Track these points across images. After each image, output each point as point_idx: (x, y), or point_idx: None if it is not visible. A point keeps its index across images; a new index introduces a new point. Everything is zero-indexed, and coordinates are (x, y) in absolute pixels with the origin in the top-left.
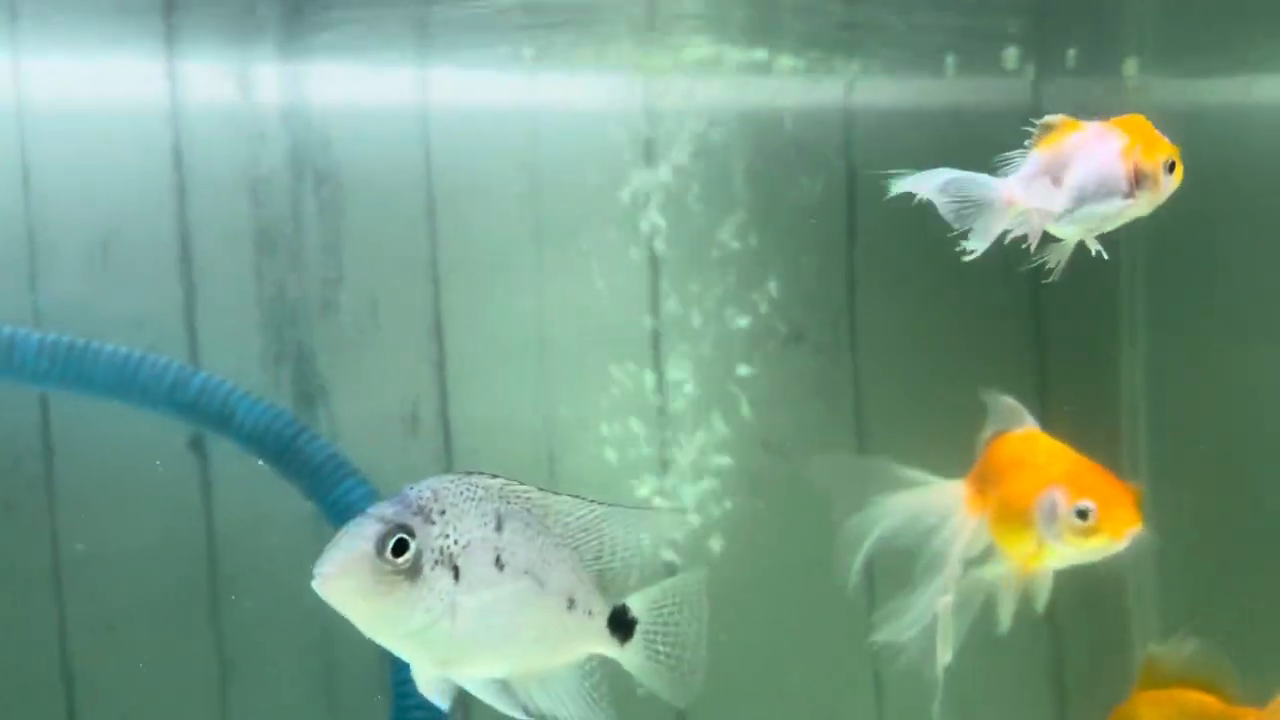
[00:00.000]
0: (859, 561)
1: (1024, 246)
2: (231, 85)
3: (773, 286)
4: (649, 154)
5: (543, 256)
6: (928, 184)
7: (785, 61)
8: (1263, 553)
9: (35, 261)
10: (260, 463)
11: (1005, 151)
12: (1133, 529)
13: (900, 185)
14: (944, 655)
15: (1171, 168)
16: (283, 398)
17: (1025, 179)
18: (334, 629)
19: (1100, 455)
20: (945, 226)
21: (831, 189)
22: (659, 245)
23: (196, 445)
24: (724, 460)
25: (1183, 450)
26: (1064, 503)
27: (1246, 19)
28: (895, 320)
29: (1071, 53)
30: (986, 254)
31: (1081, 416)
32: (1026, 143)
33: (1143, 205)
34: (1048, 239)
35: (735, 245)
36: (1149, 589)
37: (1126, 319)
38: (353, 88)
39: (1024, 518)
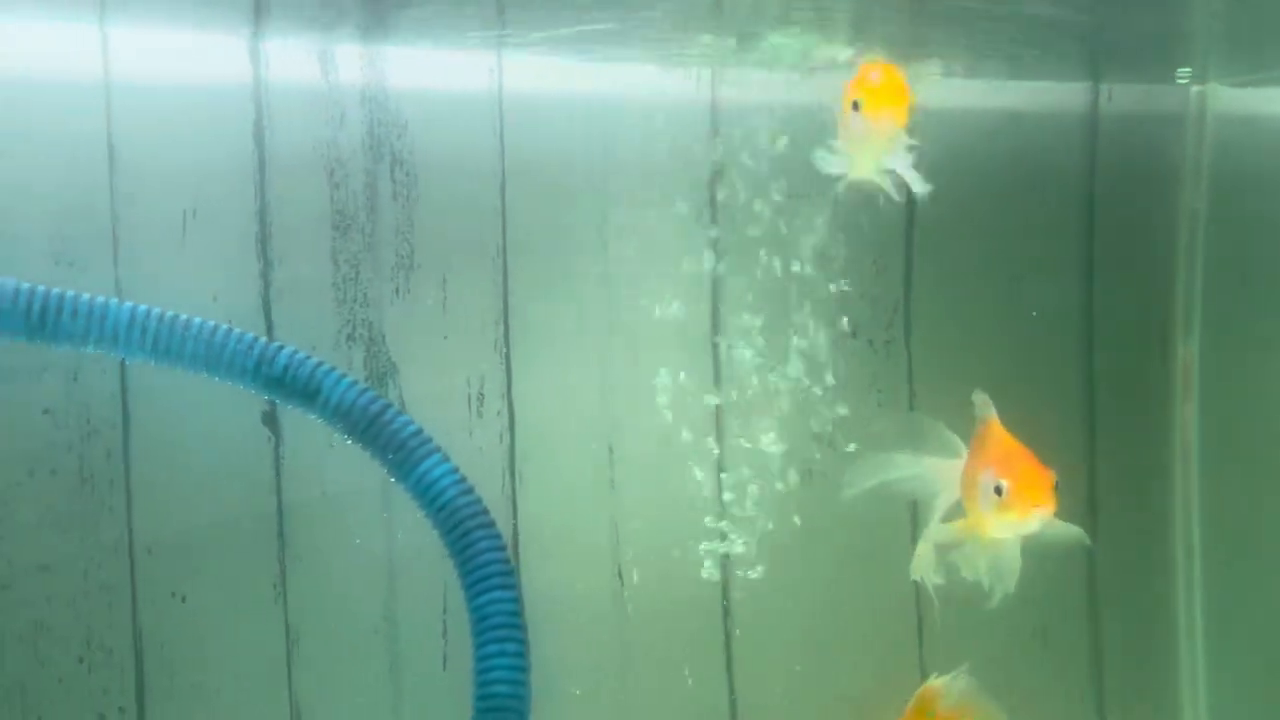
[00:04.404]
0: (862, 487)
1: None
2: (314, 64)
3: (832, 282)
4: (719, 146)
5: (609, 245)
6: None
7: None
8: None
9: (118, 235)
10: (345, 438)
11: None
12: (1040, 510)
13: None
14: (925, 576)
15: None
16: (355, 377)
17: None
18: (397, 606)
19: (1150, 448)
20: (1002, 225)
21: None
22: (724, 236)
23: (270, 419)
24: (778, 449)
25: (1232, 450)
26: (988, 481)
27: None
28: (949, 317)
29: (1131, 60)
30: (1043, 253)
31: (1129, 409)
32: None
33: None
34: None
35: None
36: (1195, 591)
37: (1182, 317)
38: (429, 70)
39: (971, 493)
